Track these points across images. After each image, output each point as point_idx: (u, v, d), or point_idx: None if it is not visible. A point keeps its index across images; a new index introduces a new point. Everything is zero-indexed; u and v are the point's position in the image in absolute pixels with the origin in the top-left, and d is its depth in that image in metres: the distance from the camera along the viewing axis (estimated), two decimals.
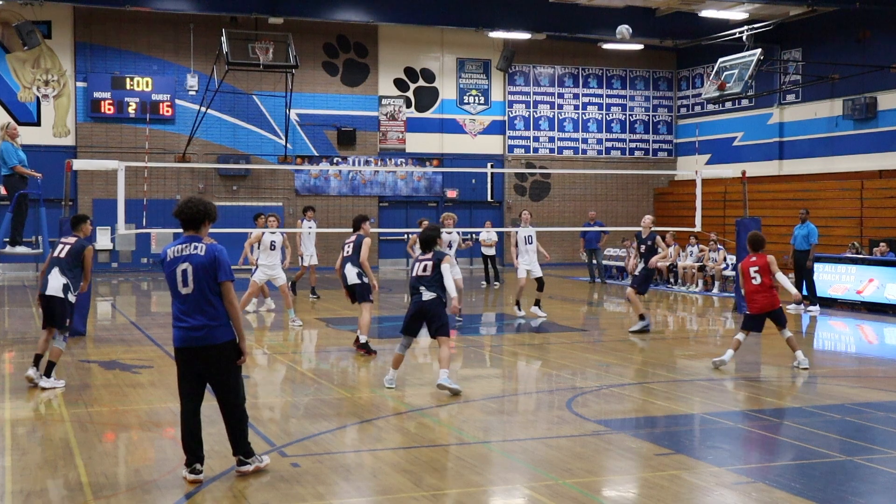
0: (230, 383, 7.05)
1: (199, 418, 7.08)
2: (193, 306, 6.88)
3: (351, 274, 13.03)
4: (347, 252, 13.20)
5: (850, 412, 9.50)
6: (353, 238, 13.25)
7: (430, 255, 10.40)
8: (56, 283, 10.52)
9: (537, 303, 17.88)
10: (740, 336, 12.31)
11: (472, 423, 9.19)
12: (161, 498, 6.72)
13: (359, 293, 13.07)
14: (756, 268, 12.04)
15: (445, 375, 10.29)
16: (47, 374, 10.60)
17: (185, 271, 6.89)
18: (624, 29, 16.07)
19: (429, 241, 10.49)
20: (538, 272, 17.77)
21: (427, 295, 10.27)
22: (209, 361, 6.94)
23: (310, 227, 20.32)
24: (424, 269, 10.35)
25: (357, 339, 13.27)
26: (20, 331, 15.72)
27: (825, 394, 10.66)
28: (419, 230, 12.23)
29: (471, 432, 8.73)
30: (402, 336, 10.61)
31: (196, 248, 6.95)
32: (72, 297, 10.62)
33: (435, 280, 10.25)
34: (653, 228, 16.18)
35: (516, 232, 18.05)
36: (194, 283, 6.87)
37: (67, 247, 10.69)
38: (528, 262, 17.74)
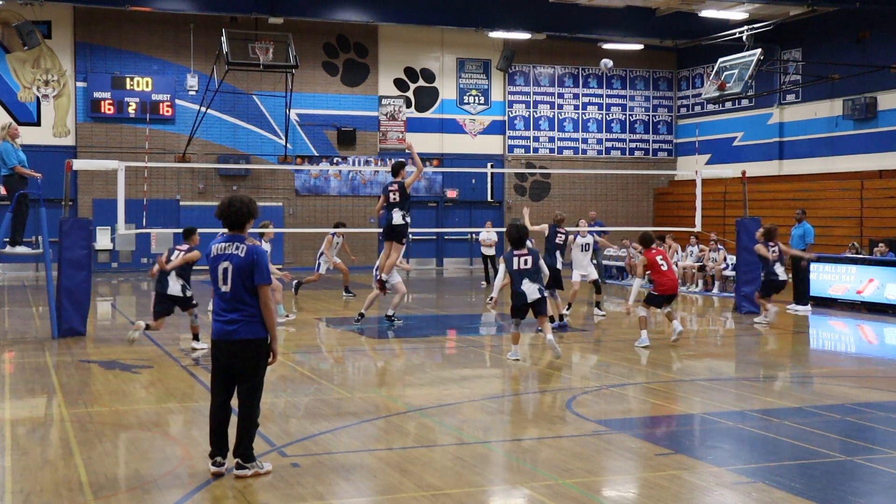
0: (253, 381, 7.20)
1: (227, 412, 7.23)
2: (230, 303, 7.12)
3: (397, 216, 15.16)
4: (394, 199, 15.17)
5: (850, 412, 9.50)
6: (395, 186, 15.20)
7: (525, 251, 12.35)
8: (175, 285, 12.80)
9: (597, 304, 17.88)
10: (644, 312, 13.97)
11: (472, 422, 9.19)
12: (161, 497, 6.72)
13: (397, 233, 15.27)
14: (661, 256, 13.99)
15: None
16: (196, 338, 13.17)
17: (225, 270, 7.13)
18: (605, 63, 17.05)
19: (522, 238, 12.37)
20: (594, 275, 17.75)
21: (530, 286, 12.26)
22: (238, 356, 7.12)
23: (338, 242, 20.37)
24: (525, 263, 12.30)
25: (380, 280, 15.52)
26: (20, 331, 15.72)
27: (825, 394, 10.66)
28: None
29: (471, 432, 8.73)
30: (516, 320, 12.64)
31: (237, 248, 7.16)
32: (189, 293, 12.96)
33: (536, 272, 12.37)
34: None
35: (574, 238, 17.76)
36: (232, 282, 7.10)
37: (182, 254, 12.80)
38: (583, 268, 17.68)
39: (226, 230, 7.33)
